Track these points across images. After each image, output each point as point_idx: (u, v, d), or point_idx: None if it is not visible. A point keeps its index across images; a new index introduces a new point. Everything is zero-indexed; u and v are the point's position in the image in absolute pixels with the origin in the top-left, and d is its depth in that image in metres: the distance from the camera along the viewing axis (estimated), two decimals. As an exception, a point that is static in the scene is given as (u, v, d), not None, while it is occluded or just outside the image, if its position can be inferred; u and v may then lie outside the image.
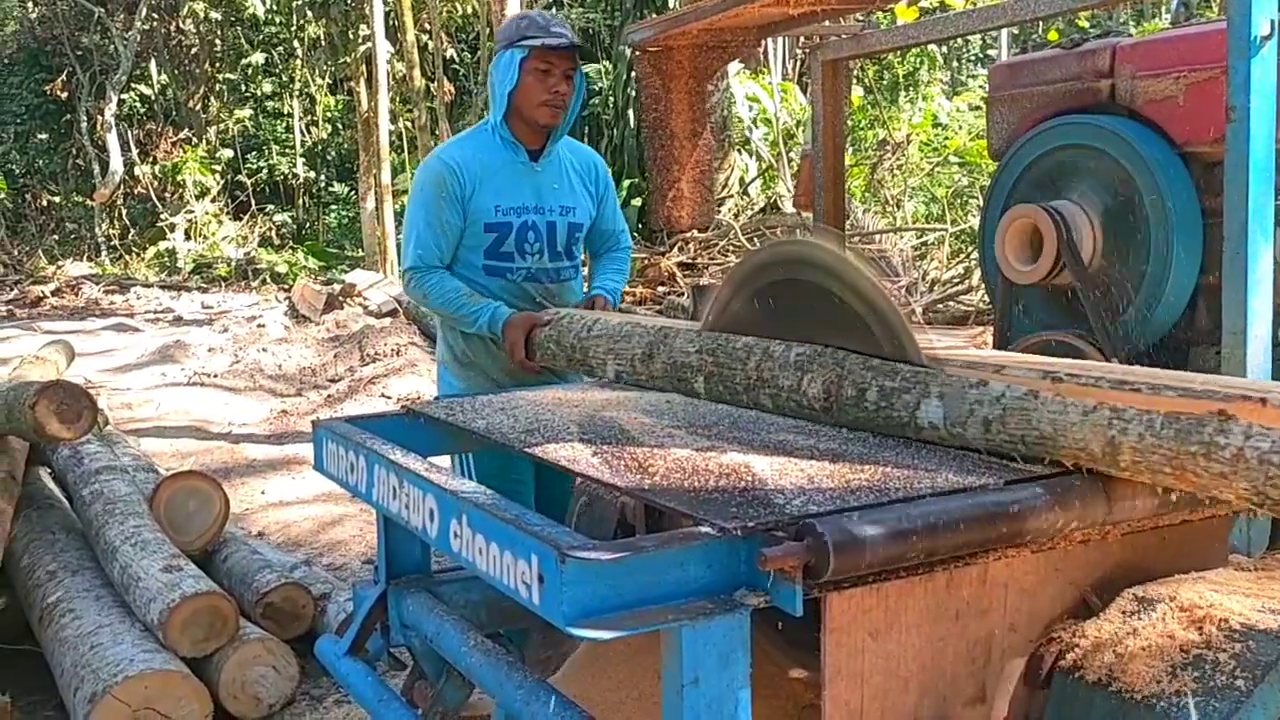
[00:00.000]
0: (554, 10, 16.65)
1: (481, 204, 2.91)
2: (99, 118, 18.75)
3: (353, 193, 18.68)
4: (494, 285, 2.94)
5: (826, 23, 2.46)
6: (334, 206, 20.28)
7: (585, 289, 3.11)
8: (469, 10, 16.85)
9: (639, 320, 2.37)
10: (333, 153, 20.44)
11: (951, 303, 9.29)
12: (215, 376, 8.48)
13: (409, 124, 16.30)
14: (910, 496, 1.47)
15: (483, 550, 1.51)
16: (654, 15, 12.60)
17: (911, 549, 1.39)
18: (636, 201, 11.32)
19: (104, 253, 18.74)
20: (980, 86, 14.69)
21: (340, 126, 20.32)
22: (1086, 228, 2.18)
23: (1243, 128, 1.69)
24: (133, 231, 19.15)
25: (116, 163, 18.27)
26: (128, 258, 18.34)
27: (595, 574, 1.30)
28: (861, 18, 2.48)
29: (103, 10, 19.66)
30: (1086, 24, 11.35)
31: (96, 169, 19.07)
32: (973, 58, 18.11)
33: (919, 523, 1.41)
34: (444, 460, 2.16)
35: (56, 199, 20.20)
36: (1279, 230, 1.80)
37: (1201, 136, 2.04)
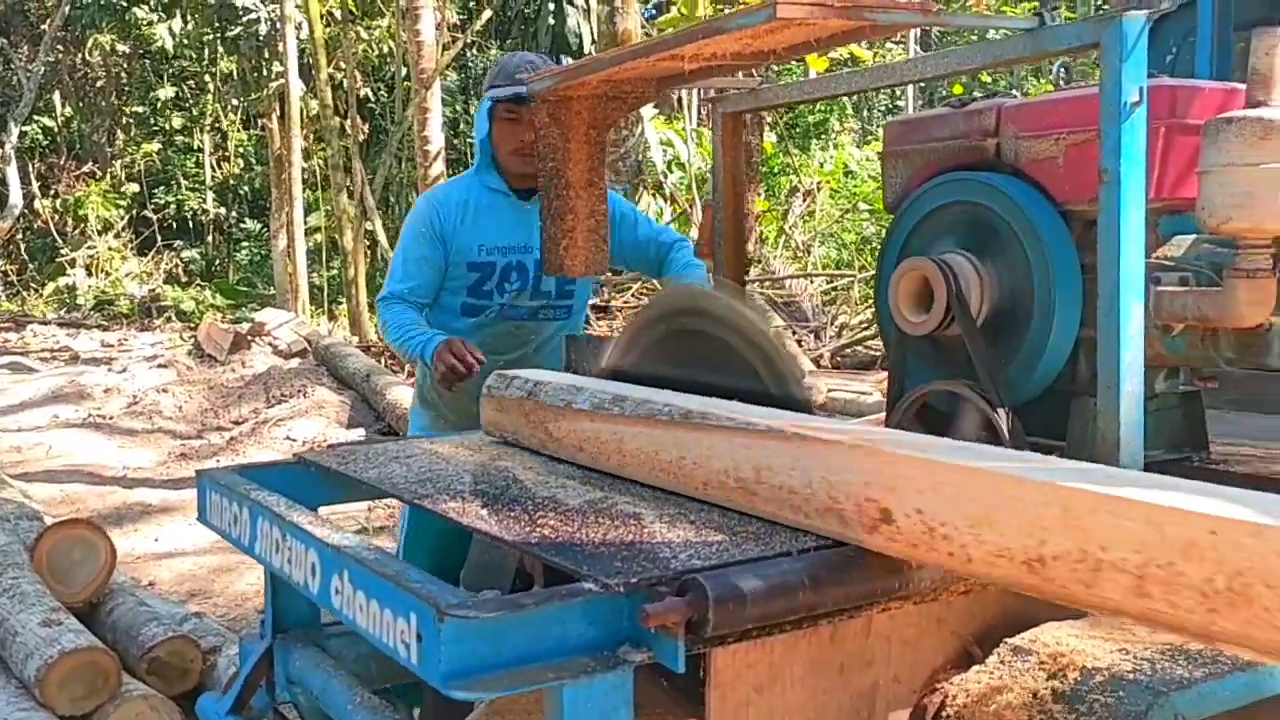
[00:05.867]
0: (494, 46, 16.67)
1: (464, 243, 2.92)
2: (-2, 150, 18.14)
3: (265, 230, 18.35)
4: (468, 324, 2.95)
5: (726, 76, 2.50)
6: (245, 243, 19.87)
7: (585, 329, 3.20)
8: (385, 50, 16.78)
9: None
10: (245, 189, 20.05)
11: (859, 348, 9.47)
12: (111, 418, 8.20)
13: (322, 161, 16.10)
14: (795, 550, 1.48)
15: (363, 607, 1.48)
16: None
17: (795, 603, 1.40)
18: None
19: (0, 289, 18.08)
20: (888, 137, 15.09)
21: (253, 162, 19.98)
22: (975, 281, 2.23)
23: (1114, 189, 1.75)
24: (31, 267, 18.50)
25: (16, 196, 17.65)
26: (25, 294, 17.69)
27: (475, 632, 1.28)
28: (759, 72, 2.53)
29: (5, 41, 19.12)
30: (989, 79, 11.74)
31: (-7, 202, 18.43)
32: (882, 109, 18.61)
33: (803, 576, 1.42)
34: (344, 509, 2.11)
35: (-50, 232, 19.46)
36: (1150, 288, 1.87)
37: (1080, 196, 2.11)
